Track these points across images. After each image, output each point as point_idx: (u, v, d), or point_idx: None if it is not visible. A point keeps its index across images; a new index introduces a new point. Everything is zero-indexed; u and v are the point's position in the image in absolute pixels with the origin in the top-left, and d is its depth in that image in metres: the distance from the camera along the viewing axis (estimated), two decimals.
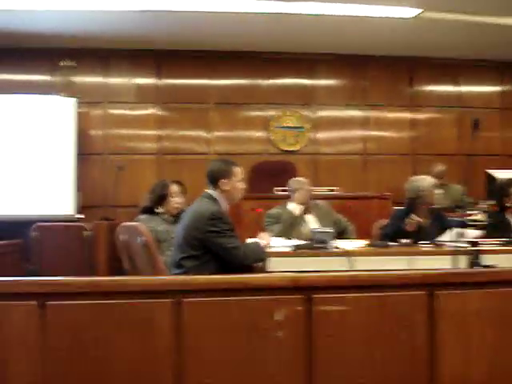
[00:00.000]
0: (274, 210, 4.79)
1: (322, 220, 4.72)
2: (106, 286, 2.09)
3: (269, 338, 2.10)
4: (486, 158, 7.45)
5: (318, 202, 4.97)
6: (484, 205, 5.35)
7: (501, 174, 6.77)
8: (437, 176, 6.24)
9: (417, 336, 2.21)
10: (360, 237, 4.60)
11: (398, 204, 5.41)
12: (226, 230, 3.41)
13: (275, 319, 2.08)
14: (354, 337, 2.17)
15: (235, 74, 7.47)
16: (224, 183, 3.55)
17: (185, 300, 2.07)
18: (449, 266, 2.88)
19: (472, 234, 3.07)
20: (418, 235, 4.32)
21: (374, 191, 6.94)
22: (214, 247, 3.41)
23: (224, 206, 3.57)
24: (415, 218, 4.27)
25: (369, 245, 4.14)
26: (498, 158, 7.70)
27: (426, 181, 4.67)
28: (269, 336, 2.10)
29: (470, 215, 5.08)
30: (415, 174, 5.99)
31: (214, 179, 3.57)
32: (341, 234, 4.67)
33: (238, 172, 3.62)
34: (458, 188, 6.64)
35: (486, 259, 2.80)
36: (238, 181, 3.61)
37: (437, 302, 2.23)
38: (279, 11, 5.89)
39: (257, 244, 3.63)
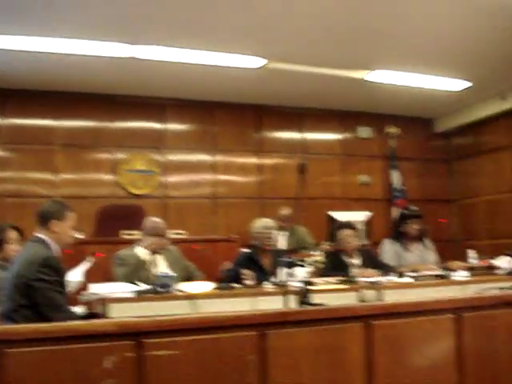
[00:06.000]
0: (122, 252, 4.65)
1: (172, 265, 4.66)
2: None
3: None
4: (327, 200, 7.91)
5: (169, 246, 4.92)
6: (325, 246, 5.62)
7: (340, 216, 7.23)
8: (282, 219, 6.49)
9: (249, 376, 2.26)
10: (208, 280, 4.63)
11: (246, 247, 5.54)
12: (56, 282, 3.20)
13: (104, 367, 2.03)
14: (189, 381, 2.17)
15: (83, 115, 7.30)
16: (54, 224, 3.41)
17: (8, 351, 1.96)
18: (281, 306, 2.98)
19: (301, 273, 3.21)
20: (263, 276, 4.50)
21: (223, 234, 7.05)
22: (38, 296, 3.17)
23: (55, 249, 3.42)
24: (247, 273, 4.48)
25: (215, 287, 4.19)
26: (339, 201, 8.19)
27: (259, 222, 4.88)
28: None
29: (312, 256, 5.30)
30: (262, 217, 6.18)
31: (45, 219, 3.41)
32: (189, 280, 4.66)
33: (72, 217, 3.50)
34: (302, 230, 6.91)
35: (317, 298, 2.93)
36: (69, 226, 3.49)
37: (268, 342, 2.29)
38: (128, 55, 5.89)
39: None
